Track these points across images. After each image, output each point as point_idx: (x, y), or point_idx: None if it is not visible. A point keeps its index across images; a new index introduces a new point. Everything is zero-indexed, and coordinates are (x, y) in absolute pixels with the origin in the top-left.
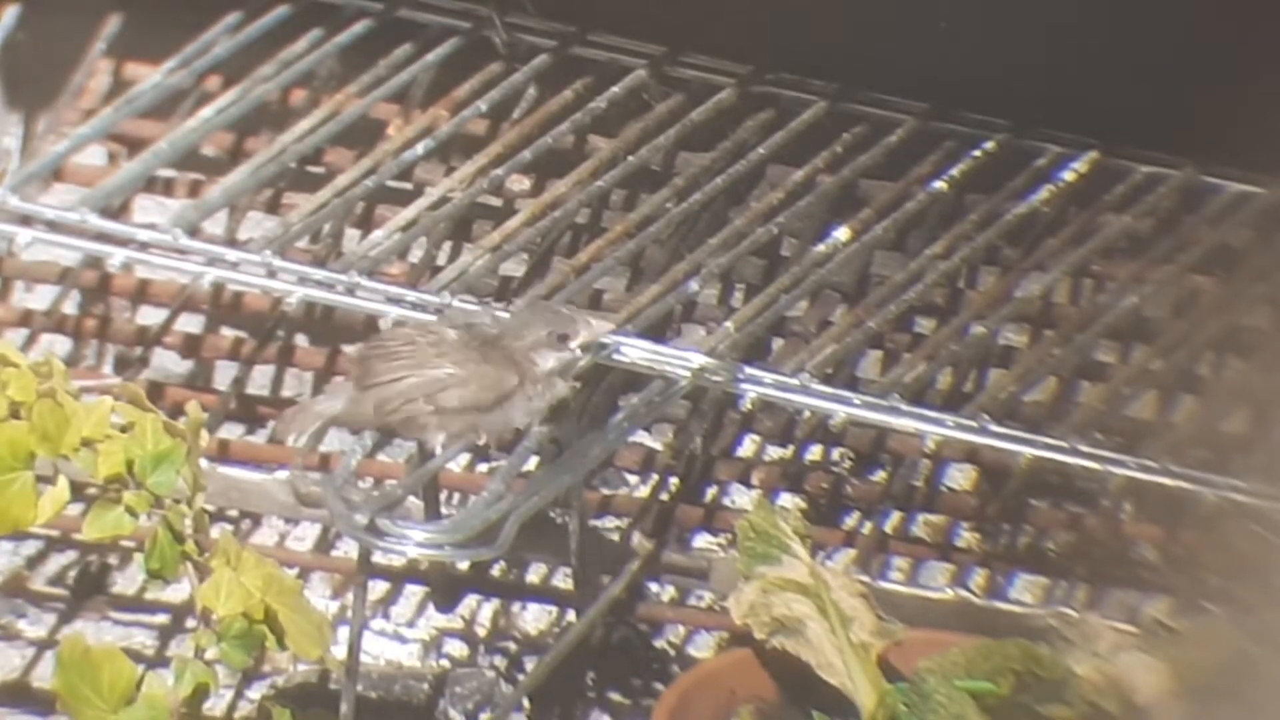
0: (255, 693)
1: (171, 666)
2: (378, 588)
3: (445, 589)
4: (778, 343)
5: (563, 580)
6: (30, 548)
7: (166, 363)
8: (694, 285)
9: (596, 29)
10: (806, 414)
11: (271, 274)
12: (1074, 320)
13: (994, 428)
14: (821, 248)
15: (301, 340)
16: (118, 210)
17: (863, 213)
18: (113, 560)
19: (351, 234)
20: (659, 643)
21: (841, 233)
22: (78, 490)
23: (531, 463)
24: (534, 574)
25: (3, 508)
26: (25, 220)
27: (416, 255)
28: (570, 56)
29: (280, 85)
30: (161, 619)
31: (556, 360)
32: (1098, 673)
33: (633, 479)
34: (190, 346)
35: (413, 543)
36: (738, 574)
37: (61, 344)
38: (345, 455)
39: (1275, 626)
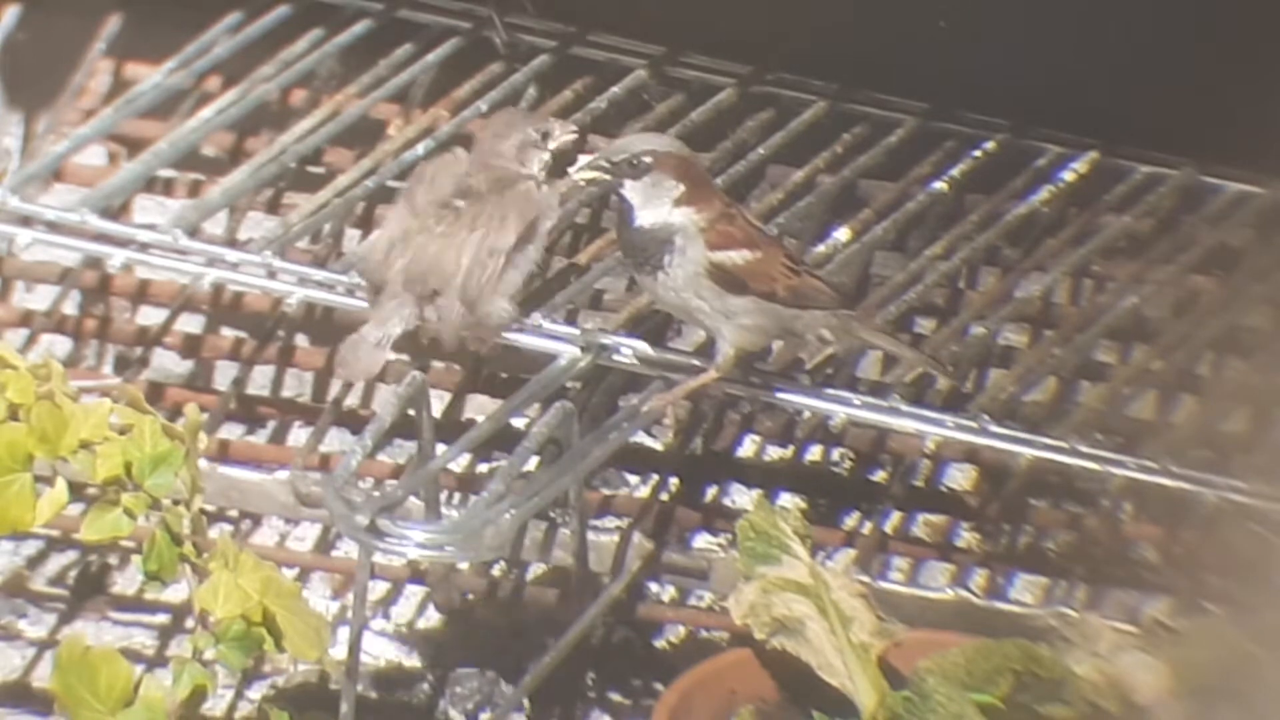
0: (255, 693)
1: (170, 668)
2: (378, 588)
3: (445, 589)
4: (777, 344)
5: (563, 580)
6: (30, 548)
7: (166, 363)
8: None
9: (596, 29)
10: (806, 414)
11: (271, 274)
12: (1074, 320)
13: (994, 428)
14: (822, 248)
15: (301, 340)
16: (118, 211)
17: (863, 213)
18: (112, 560)
19: (352, 234)
20: (659, 643)
21: (842, 233)
22: (78, 491)
23: (532, 463)
24: (534, 574)
25: (2, 509)
26: (25, 221)
27: None
28: (570, 56)
29: (280, 85)
30: (161, 619)
31: (539, 161)
32: (1098, 673)
33: (633, 479)
34: (190, 347)
35: (413, 543)
36: (738, 574)
37: (61, 344)
38: (345, 455)
39: (1275, 626)
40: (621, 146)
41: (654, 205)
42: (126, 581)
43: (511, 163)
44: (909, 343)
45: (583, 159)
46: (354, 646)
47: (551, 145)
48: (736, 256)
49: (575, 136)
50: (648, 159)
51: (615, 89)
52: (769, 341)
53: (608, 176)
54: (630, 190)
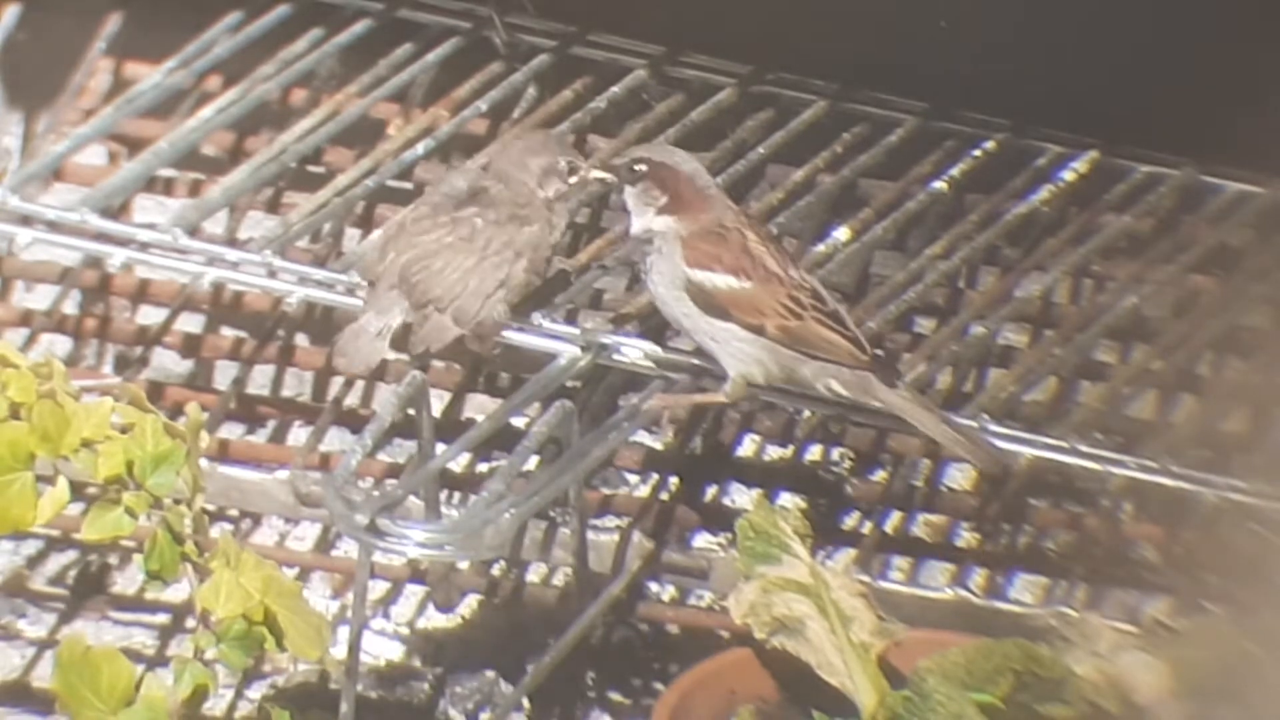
0: (255, 692)
1: (171, 667)
2: (378, 588)
3: (445, 589)
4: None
5: (563, 580)
6: (30, 547)
7: (166, 362)
8: None
9: (596, 29)
10: (806, 414)
11: (272, 274)
12: (1074, 320)
13: (994, 428)
14: (821, 248)
15: (301, 340)
16: (118, 210)
17: (863, 213)
18: (113, 560)
19: (352, 234)
20: (659, 643)
21: (841, 233)
22: (78, 490)
23: (532, 463)
24: (534, 574)
25: (3, 508)
26: (25, 220)
27: None
28: (570, 56)
29: (280, 85)
30: (162, 619)
31: (557, 189)
32: (1098, 673)
33: (633, 479)
34: (190, 346)
35: (413, 543)
36: (738, 574)
37: (62, 344)
38: (345, 455)
39: (1275, 626)
40: (627, 151)
41: (642, 212)
42: (127, 581)
43: (532, 180)
44: (942, 416)
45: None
46: (354, 646)
47: (573, 180)
48: (718, 280)
49: (600, 178)
50: (641, 166)
51: (615, 89)
52: (771, 380)
53: (613, 178)
54: (628, 195)
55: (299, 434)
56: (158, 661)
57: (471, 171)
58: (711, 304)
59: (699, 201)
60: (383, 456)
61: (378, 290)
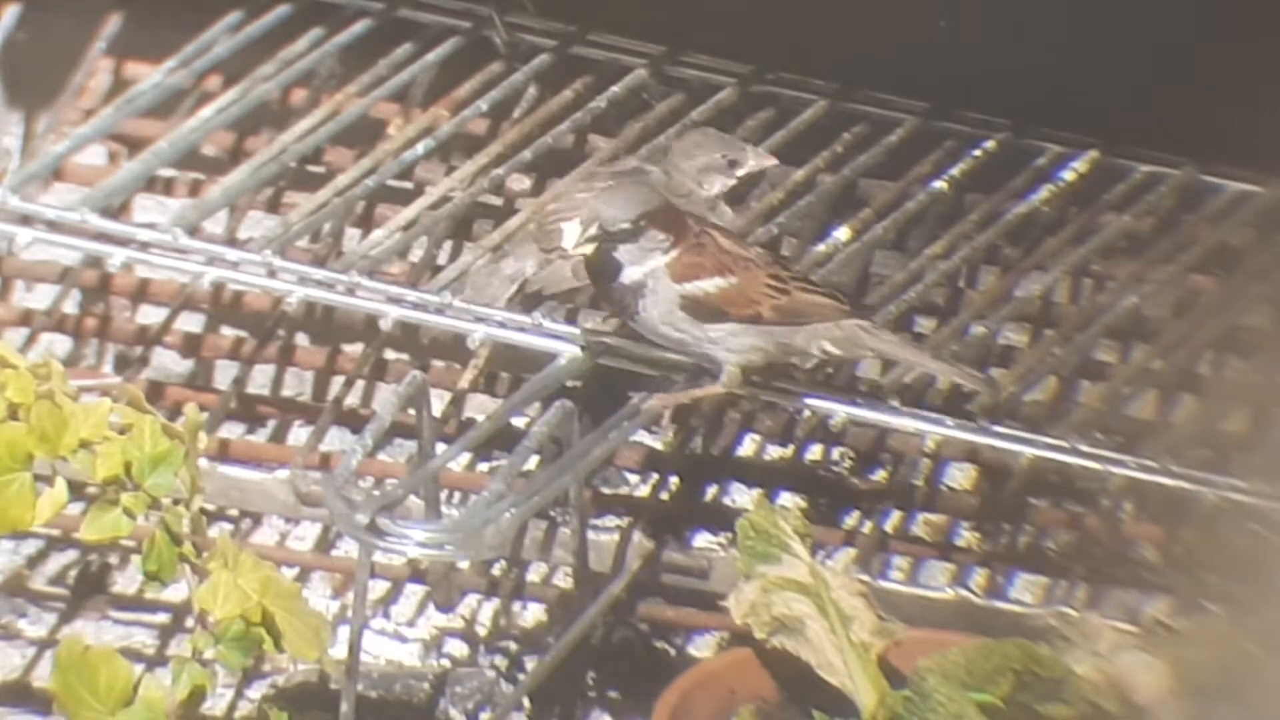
0: (255, 692)
1: (170, 667)
2: (378, 587)
3: (445, 589)
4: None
5: (563, 580)
6: (30, 547)
7: (166, 362)
8: None
9: (596, 29)
10: (806, 413)
11: (272, 274)
12: (1074, 320)
13: (994, 428)
14: (821, 248)
15: (302, 340)
16: (118, 210)
17: (863, 212)
18: (113, 560)
19: (352, 233)
20: (659, 643)
21: (841, 232)
22: (77, 490)
23: (532, 462)
24: (534, 574)
25: (2, 508)
26: (25, 220)
27: (417, 255)
28: (570, 56)
29: (280, 85)
30: (162, 618)
31: (721, 185)
32: (1098, 672)
33: (633, 478)
34: (190, 346)
35: (413, 542)
36: (738, 573)
37: (62, 343)
38: (345, 455)
39: (1275, 626)
40: (613, 217)
41: (643, 260)
42: (126, 581)
43: (690, 181)
44: (930, 350)
45: (569, 229)
46: (354, 646)
47: (740, 173)
48: (708, 285)
49: (773, 164)
50: (643, 222)
51: (615, 89)
52: (771, 359)
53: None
54: (623, 252)
55: (299, 434)
56: (158, 661)
57: (638, 160)
58: (706, 310)
59: (685, 224)
60: (383, 457)
61: (522, 240)
